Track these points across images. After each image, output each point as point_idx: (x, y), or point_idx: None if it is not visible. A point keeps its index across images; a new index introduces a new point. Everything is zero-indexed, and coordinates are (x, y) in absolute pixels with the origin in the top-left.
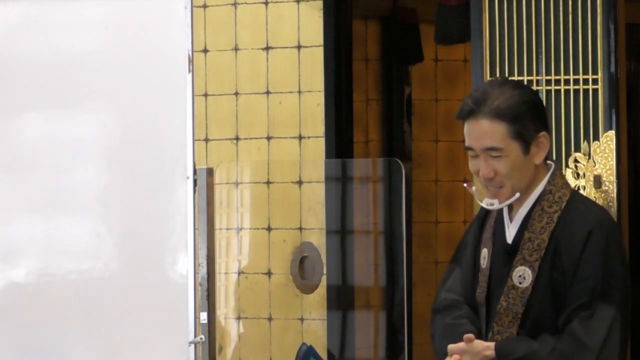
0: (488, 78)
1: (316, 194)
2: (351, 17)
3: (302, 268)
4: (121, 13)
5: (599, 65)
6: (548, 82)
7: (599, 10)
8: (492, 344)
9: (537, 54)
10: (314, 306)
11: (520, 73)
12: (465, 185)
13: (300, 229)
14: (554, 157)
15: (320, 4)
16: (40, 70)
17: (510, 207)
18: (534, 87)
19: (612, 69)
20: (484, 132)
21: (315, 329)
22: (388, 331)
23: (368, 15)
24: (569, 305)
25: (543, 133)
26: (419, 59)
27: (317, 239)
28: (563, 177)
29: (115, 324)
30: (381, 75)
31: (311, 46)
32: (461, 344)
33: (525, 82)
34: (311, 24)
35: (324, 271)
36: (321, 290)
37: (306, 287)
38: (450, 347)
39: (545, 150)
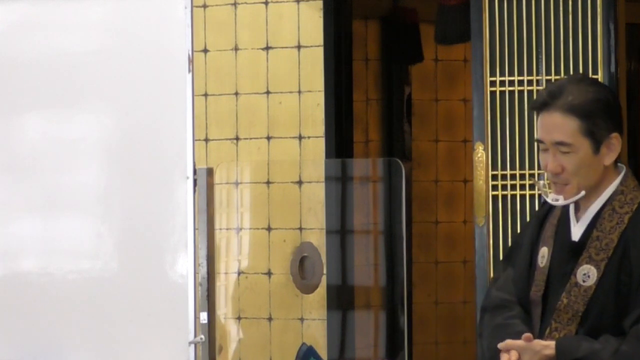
0: (488, 78)
1: (316, 194)
2: (351, 17)
3: (302, 268)
4: (121, 13)
5: (599, 65)
6: (548, 82)
7: (599, 10)
8: (551, 343)
9: (537, 54)
10: (314, 306)
11: (520, 73)
12: (534, 181)
13: (300, 229)
14: None
15: (320, 4)
16: (40, 70)
17: (577, 206)
18: (534, 87)
19: (612, 69)
20: (555, 125)
21: (315, 329)
22: (388, 331)
23: (368, 15)
24: (637, 306)
25: (615, 134)
26: (419, 59)
27: (317, 239)
28: (634, 179)
29: (116, 324)
30: (381, 75)
31: (311, 46)
32: (520, 342)
33: (525, 82)
34: (311, 24)
35: (324, 271)
36: (321, 290)
37: (306, 287)
38: (509, 342)
39: (616, 152)
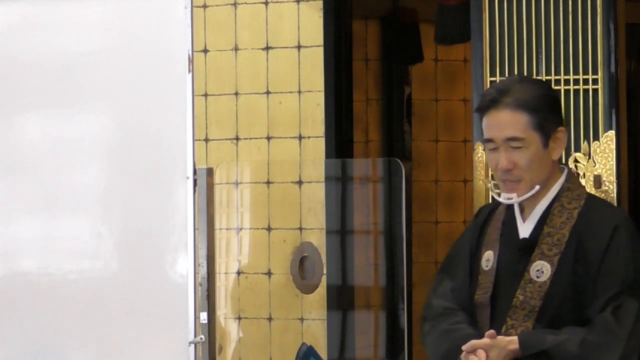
0: (488, 78)
1: (316, 194)
2: (351, 17)
3: (302, 268)
4: (121, 13)
5: (599, 65)
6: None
7: (599, 10)
8: (514, 338)
9: (537, 54)
10: (314, 306)
11: (520, 73)
12: (484, 181)
13: (300, 229)
14: None
15: (320, 4)
16: (40, 70)
17: (522, 207)
18: None
19: (612, 69)
20: (506, 122)
21: (315, 329)
22: (388, 331)
23: (368, 15)
24: (599, 296)
25: (561, 128)
26: (419, 59)
27: (317, 239)
28: (577, 177)
29: (115, 324)
30: (381, 75)
31: (311, 46)
32: (485, 340)
33: None
34: (311, 24)
35: (324, 271)
36: (321, 290)
37: (306, 287)
38: (474, 342)
39: (562, 146)
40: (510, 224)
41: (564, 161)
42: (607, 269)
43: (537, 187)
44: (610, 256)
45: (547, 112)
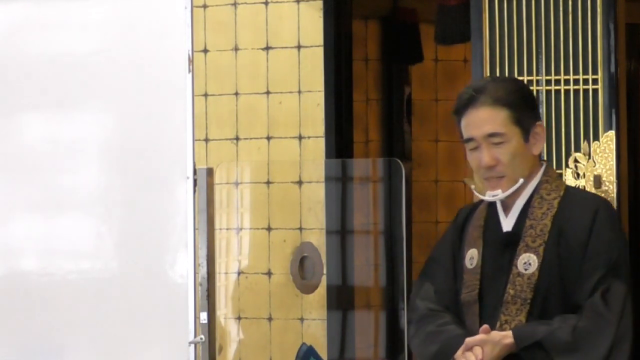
0: None
1: (316, 194)
2: (351, 17)
3: (302, 268)
4: (121, 13)
5: (599, 65)
6: (548, 82)
7: (599, 10)
8: (508, 333)
9: (537, 54)
10: (314, 306)
11: (520, 73)
12: (465, 181)
13: (300, 229)
14: (554, 157)
15: (320, 4)
16: (40, 70)
17: (505, 204)
18: (534, 87)
19: (612, 69)
20: (485, 119)
21: (315, 329)
22: (388, 331)
23: (368, 15)
24: (586, 280)
25: (540, 122)
26: (419, 59)
27: (317, 239)
28: (555, 170)
29: (115, 324)
30: (381, 75)
31: (311, 46)
32: (480, 335)
33: (525, 82)
34: (311, 24)
35: (324, 271)
36: (321, 290)
37: (306, 287)
38: (469, 340)
39: (542, 141)
40: (492, 221)
41: (564, 161)
42: (591, 252)
43: (522, 180)
44: (593, 239)
45: (524, 107)
